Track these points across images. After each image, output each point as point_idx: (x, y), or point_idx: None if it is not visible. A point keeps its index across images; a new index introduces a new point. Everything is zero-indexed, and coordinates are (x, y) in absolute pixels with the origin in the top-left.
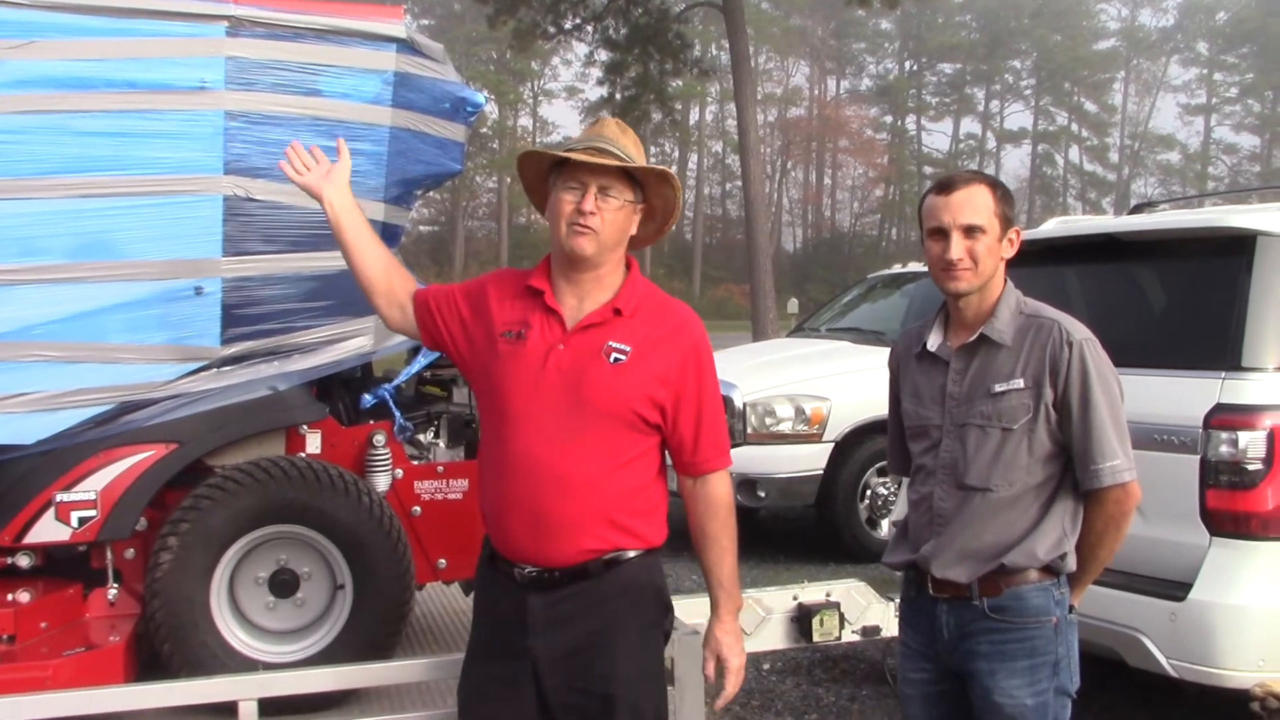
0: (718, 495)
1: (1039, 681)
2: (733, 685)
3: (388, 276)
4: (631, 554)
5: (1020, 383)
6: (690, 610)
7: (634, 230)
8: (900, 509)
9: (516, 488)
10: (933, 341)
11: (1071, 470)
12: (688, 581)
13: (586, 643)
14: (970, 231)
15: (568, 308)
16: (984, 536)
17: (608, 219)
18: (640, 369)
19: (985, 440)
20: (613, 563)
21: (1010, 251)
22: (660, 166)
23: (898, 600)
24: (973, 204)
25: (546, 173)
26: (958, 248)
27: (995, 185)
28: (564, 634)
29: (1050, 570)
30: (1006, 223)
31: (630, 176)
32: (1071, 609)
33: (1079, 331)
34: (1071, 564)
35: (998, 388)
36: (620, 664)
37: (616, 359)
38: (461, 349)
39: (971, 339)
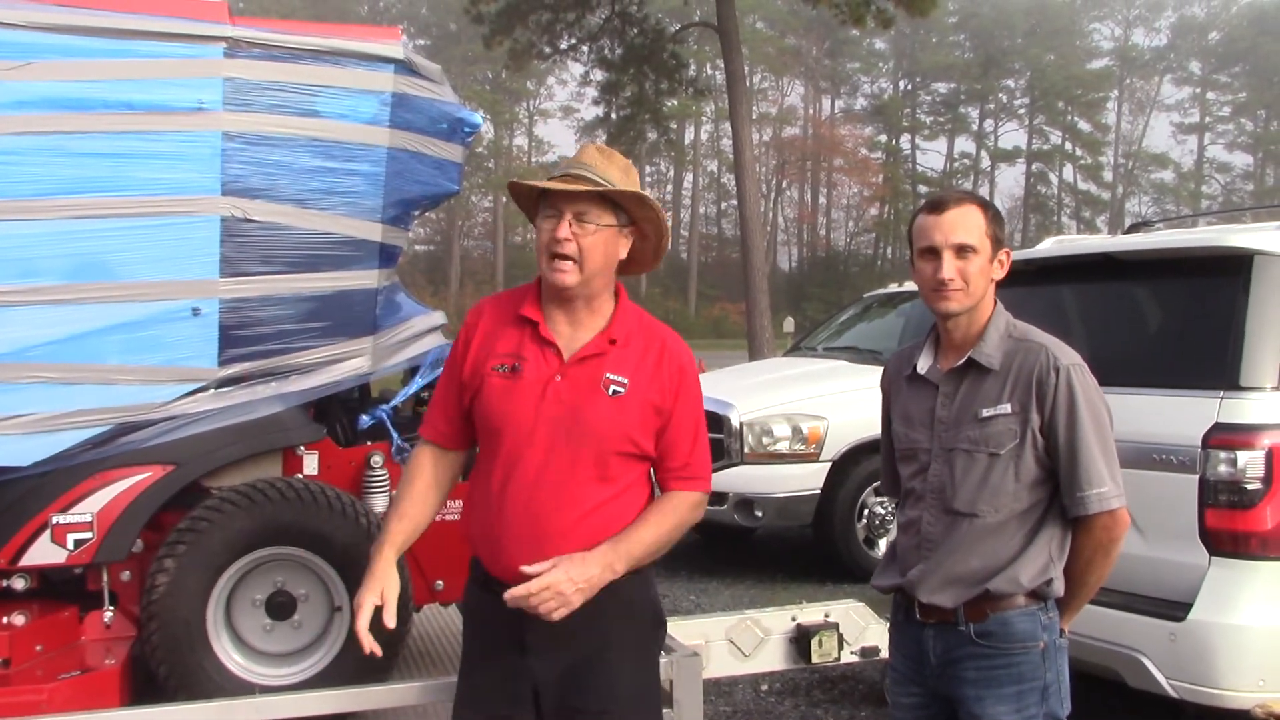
0: (676, 499)
1: (1027, 708)
2: (540, 597)
3: (442, 495)
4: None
5: (1007, 408)
6: (688, 632)
7: (624, 254)
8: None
9: (517, 517)
10: (923, 364)
11: (1059, 496)
12: (685, 602)
13: (585, 661)
14: (962, 251)
15: (561, 336)
16: (970, 562)
17: (586, 244)
18: (638, 399)
19: (972, 465)
20: (610, 580)
21: (1000, 273)
22: (636, 190)
23: None
24: (965, 224)
25: (538, 202)
26: (949, 267)
27: (986, 206)
28: (564, 653)
29: (1037, 595)
30: (997, 244)
31: (610, 199)
32: (1062, 633)
33: (1066, 356)
34: (1059, 589)
35: (985, 413)
36: (618, 680)
37: (615, 391)
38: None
39: (960, 363)
